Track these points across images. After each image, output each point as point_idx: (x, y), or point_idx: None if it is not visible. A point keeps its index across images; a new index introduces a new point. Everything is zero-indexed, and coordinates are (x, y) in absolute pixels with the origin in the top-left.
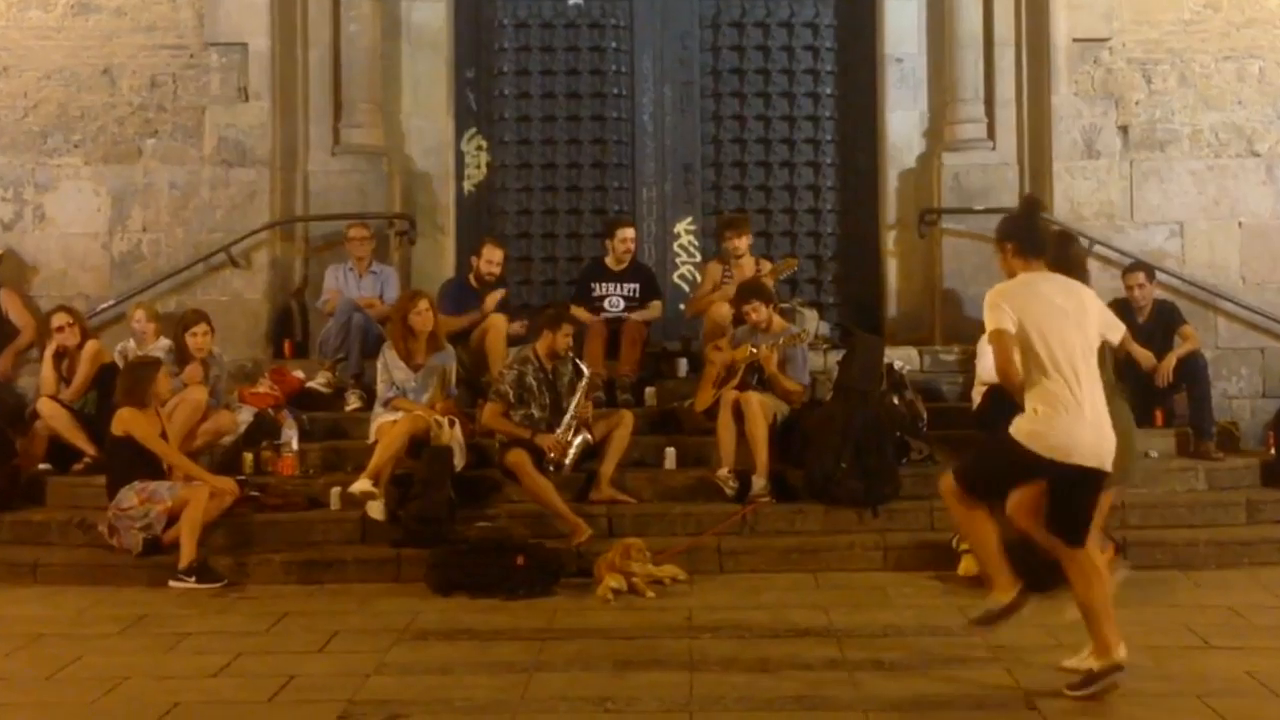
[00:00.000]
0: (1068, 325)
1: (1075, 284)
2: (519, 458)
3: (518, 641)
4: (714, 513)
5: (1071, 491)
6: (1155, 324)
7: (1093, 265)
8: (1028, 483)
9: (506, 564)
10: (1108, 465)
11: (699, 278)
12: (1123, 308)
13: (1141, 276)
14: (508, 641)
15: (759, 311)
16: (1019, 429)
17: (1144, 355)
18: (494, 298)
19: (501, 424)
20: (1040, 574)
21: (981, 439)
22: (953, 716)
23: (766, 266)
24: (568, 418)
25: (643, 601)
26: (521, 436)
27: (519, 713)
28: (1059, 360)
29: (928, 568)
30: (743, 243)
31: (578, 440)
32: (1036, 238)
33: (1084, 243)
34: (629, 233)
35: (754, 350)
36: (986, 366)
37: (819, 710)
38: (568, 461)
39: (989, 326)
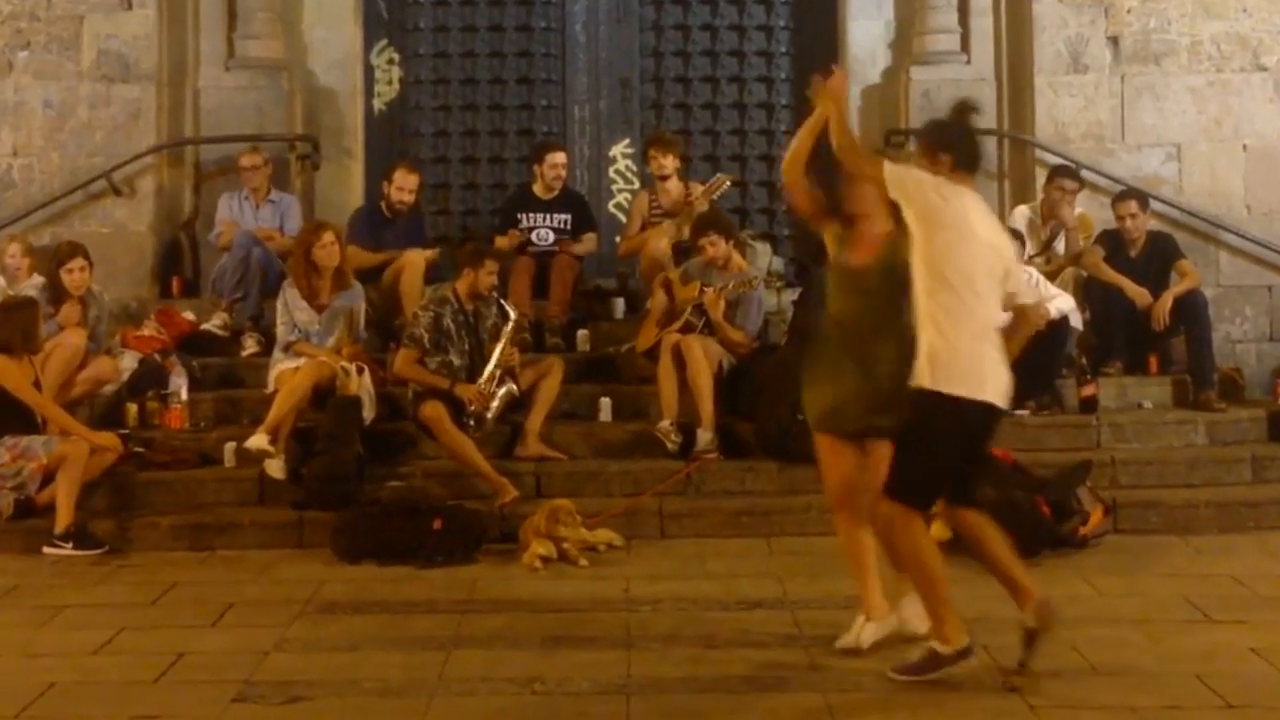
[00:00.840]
0: (990, 266)
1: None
2: (436, 410)
3: (434, 615)
4: (654, 470)
5: (981, 436)
6: (1149, 258)
7: (1080, 193)
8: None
9: (422, 528)
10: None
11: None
12: (1113, 240)
13: (1134, 205)
14: (423, 615)
15: (717, 246)
16: (924, 371)
17: (1138, 293)
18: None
19: (416, 372)
20: (1022, 541)
21: (900, 440)
22: (923, 699)
23: (697, 190)
24: (491, 366)
25: (574, 570)
26: (439, 386)
27: (436, 694)
28: (972, 284)
29: None
30: (669, 162)
31: (502, 391)
32: (976, 152)
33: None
34: (559, 157)
35: (703, 291)
36: None
37: (772, 692)
38: (491, 414)
39: (887, 169)
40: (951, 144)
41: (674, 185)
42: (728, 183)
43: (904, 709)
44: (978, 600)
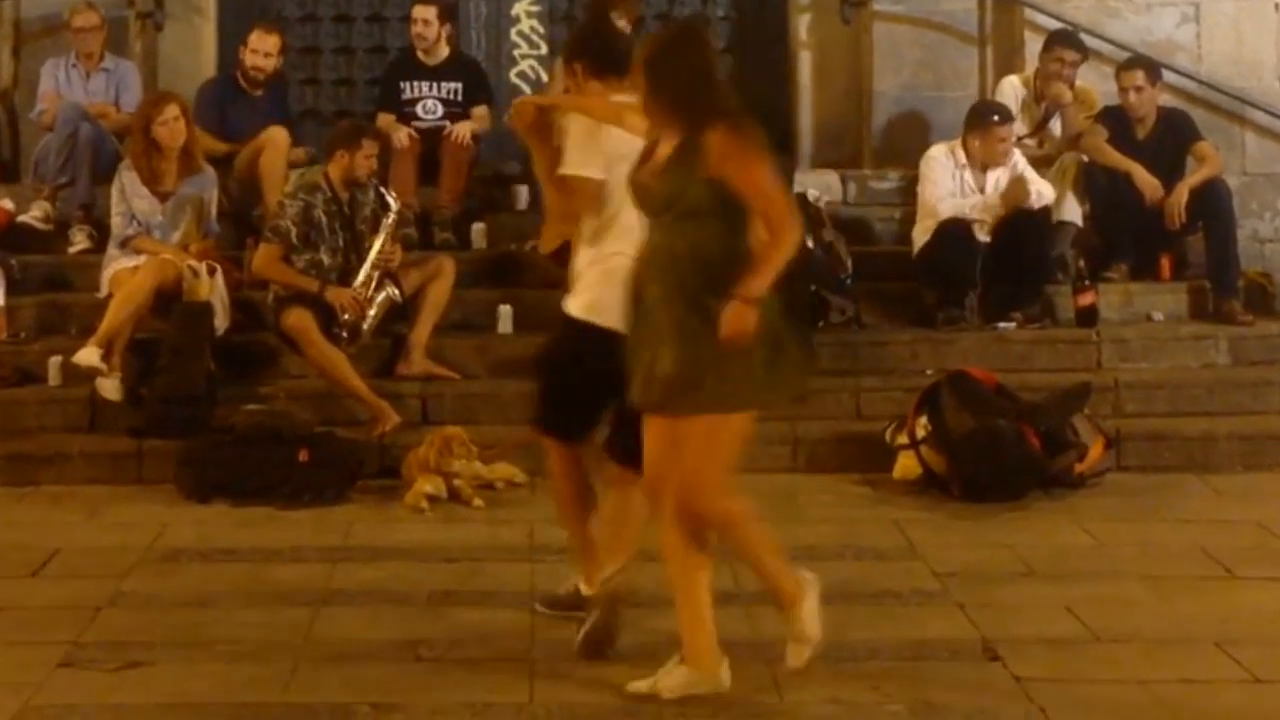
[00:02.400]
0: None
1: None
2: (303, 319)
3: (300, 564)
4: None
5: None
6: (1161, 141)
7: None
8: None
9: (285, 460)
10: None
11: (544, 77)
12: (1116, 117)
13: (1141, 76)
14: (286, 564)
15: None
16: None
17: (1148, 183)
18: None
19: (280, 272)
20: (1007, 480)
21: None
22: (888, 669)
23: None
24: (368, 266)
25: (468, 512)
26: (307, 290)
27: (301, 660)
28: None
29: (851, 468)
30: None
31: (381, 296)
32: (617, 51)
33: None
34: (424, 12)
35: None
36: (935, 196)
37: None
38: (368, 324)
39: (569, 167)
40: (583, 49)
41: None
42: None
43: (862, 680)
44: (952, 550)
